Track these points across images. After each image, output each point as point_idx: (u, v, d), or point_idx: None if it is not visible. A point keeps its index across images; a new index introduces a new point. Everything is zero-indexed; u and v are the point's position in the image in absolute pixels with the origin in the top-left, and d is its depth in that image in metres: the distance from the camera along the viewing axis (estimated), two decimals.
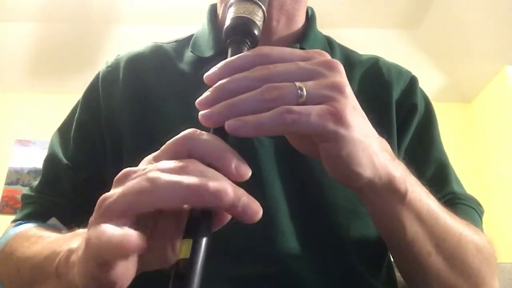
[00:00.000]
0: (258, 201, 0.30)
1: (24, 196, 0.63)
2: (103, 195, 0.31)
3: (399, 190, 0.40)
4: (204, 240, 0.29)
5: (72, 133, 0.64)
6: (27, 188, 0.65)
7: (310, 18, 0.68)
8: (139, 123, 0.58)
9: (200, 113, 0.33)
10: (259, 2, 0.41)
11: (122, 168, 0.32)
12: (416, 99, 0.64)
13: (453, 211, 0.49)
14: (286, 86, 0.33)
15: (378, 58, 0.69)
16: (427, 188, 0.46)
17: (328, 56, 0.37)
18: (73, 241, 0.39)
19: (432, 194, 0.46)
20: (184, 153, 0.31)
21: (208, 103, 0.33)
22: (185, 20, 2.63)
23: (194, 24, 0.78)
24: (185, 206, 0.31)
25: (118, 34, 2.94)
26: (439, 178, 0.60)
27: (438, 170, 0.62)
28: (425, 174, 0.59)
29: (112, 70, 0.65)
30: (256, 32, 0.40)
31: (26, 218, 0.59)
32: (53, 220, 0.58)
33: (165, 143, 0.33)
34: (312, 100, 0.33)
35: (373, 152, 0.36)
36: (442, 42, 2.83)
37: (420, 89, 0.67)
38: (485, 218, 0.62)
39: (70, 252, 0.37)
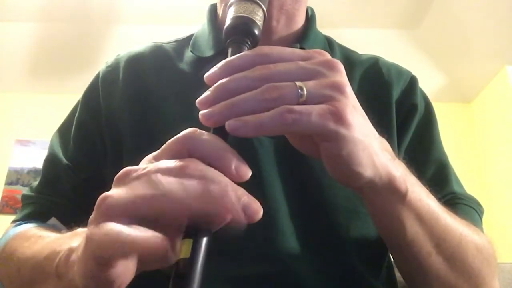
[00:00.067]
0: (258, 201, 0.30)
1: (24, 196, 0.63)
2: (103, 194, 0.31)
3: (399, 190, 0.40)
4: (204, 240, 0.29)
5: (72, 133, 0.64)
6: (27, 188, 0.65)
7: (310, 18, 0.68)
8: (139, 123, 0.58)
9: (201, 112, 0.33)
10: (259, 2, 0.41)
11: (122, 168, 0.32)
12: (416, 99, 0.64)
13: (453, 211, 0.49)
14: (287, 85, 0.33)
15: (378, 58, 0.69)
16: (427, 188, 0.46)
17: (328, 56, 0.37)
18: (73, 240, 0.39)
19: (432, 194, 0.46)
20: (184, 152, 0.31)
21: (208, 103, 0.33)
22: (185, 20, 2.63)
23: (194, 24, 0.78)
24: None
25: (118, 34, 2.94)
26: (439, 178, 0.60)
27: (438, 170, 0.62)
28: (425, 174, 0.59)
29: (112, 70, 0.65)
30: (256, 31, 0.40)
31: (26, 218, 0.59)
32: (53, 220, 0.58)
33: (165, 143, 0.33)
34: (313, 99, 0.33)
35: (373, 151, 0.36)
36: (442, 42, 2.83)
37: (420, 89, 0.67)
38: (485, 218, 0.62)
39: (70, 251, 0.37)
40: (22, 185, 3.09)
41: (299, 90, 0.32)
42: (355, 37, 2.46)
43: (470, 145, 3.06)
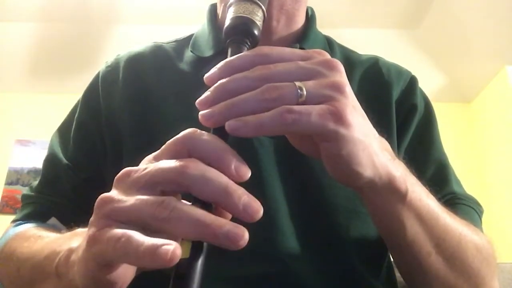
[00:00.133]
0: (258, 201, 0.30)
1: (24, 196, 0.63)
2: (103, 195, 0.31)
3: (399, 190, 0.40)
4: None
5: (72, 133, 0.64)
6: (27, 188, 0.65)
7: (310, 18, 0.68)
8: (139, 123, 0.58)
9: (200, 113, 0.33)
10: (259, 2, 0.41)
11: (122, 168, 0.32)
12: (416, 99, 0.64)
13: (452, 211, 0.49)
14: (286, 85, 0.33)
15: (378, 58, 0.69)
16: (427, 188, 0.46)
17: (328, 56, 0.37)
18: (73, 240, 0.39)
19: (432, 194, 0.46)
20: (184, 153, 0.31)
21: (208, 103, 0.33)
22: (185, 20, 2.63)
23: (194, 24, 0.78)
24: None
25: (118, 34, 2.94)
26: (438, 178, 0.60)
27: (437, 170, 0.62)
28: (425, 174, 0.59)
29: (112, 70, 0.65)
30: (256, 32, 0.40)
31: (26, 218, 0.59)
32: (53, 220, 0.58)
33: (165, 143, 0.33)
34: (312, 99, 0.33)
35: (373, 151, 0.36)
36: (442, 42, 2.83)
37: (420, 89, 0.67)
38: (485, 218, 0.62)
39: (70, 251, 0.37)
40: (22, 185, 3.09)
41: (299, 90, 0.32)
42: (355, 37, 2.46)
43: (470, 145, 3.06)
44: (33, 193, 0.62)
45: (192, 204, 0.30)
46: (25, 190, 0.64)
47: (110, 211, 0.30)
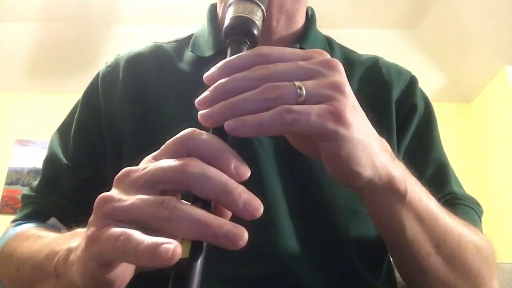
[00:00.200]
0: None
1: (24, 196, 0.63)
2: (102, 194, 0.31)
3: (399, 190, 0.40)
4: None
5: (72, 133, 0.64)
6: (27, 188, 0.65)
7: (310, 18, 0.68)
8: (139, 123, 0.58)
9: (200, 112, 0.33)
10: (259, 2, 0.41)
11: (122, 168, 0.32)
12: (416, 99, 0.64)
13: (452, 211, 0.49)
14: (286, 85, 0.33)
15: (378, 58, 0.69)
16: (426, 188, 0.46)
17: (327, 56, 0.37)
18: (72, 240, 0.39)
19: (432, 194, 0.46)
20: (183, 152, 0.31)
21: (208, 103, 0.33)
22: (185, 20, 2.63)
23: (194, 24, 0.78)
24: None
25: (118, 34, 2.94)
26: (438, 178, 0.60)
27: (437, 170, 0.62)
28: (424, 174, 0.59)
29: (112, 70, 0.65)
30: (255, 31, 0.40)
31: (26, 218, 0.59)
32: (53, 220, 0.58)
33: (165, 143, 0.33)
34: (312, 99, 0.33)
35: (373, 151, 0.36)
36: (442, 42, 2.83)
37: (420, 89, 0.67)
38: (485, 218, 0.62)
39: (69, 251, 0.37)
40: (22, 185, 3.09)
41: (298, 90, 0.32)
42: (355, 37, 2.46)
43: (470, 145, 3.06)
44: (33, 193, 0.62)
45: (192, 203, 0.30)
46: (25, 190, 0.64)
47: (109, 210, 0.30)
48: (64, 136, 0.65)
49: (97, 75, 0.66)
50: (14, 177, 3.13)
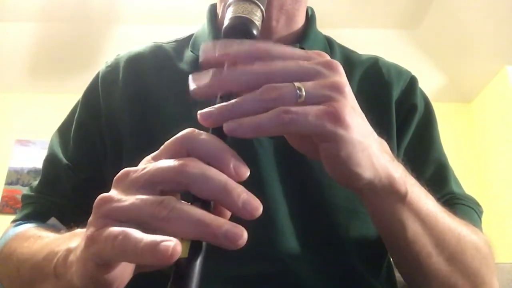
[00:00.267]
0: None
1: (24, 196, 0.63)
2: (102, 195, 0.31)
3: (399, 191, 0.40)
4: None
5: (72, 133, 0.64)
6: (27, 188, 0.65)
7: (310, 18, 0.68)
8: (139, 123, 0.58)
9: (199, 112, 0.33)
10: (258, 2, 0.41)
11: (122, 168, 0.32)
12: (415, 99, 0.64)
13: (452, 211, 0.49)
14: (285, 86, 0.33)
15: (378, 58, 0.69)
16: (426, 188, 0.46)
17: (327, 57, 0.37)
18: (71, 241, 0.39)
19: (431, 194, 0.46)
20: (183, 153, 0.31)
21: (205, 86, 0.33)
22: (185, 20, 2.63)
23: (194, 24, 0.78)
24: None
25: (118, 34, 2.94)
26: (438, 178, 0.60)
27: (437, 170, 0.62)
28: (424, 174, 0.59)
29: (112, 70, 0.65)
30: (254, 32, 0.40)
31: (26, 218, 0.59)
32: (52, 220, 0.58)
33: (164, 143, 0.33)
34: (311, 100, 0.33)
35: (372, 153, 0.36)
36: (442, 42, 2.83)
37: (420, 89, 0.67)
38: (484, 218, 0.62)
39: (68, 251, 0.37)
40: (22, 185, 3.09)
41: (298, 91, 0.32)
42: (355, 37, 2.46)
43: (470, 145, 3.06)
44: (33, 193, 0.62)
45: (192, 203, 0.30)
46: (25, 190, 0.64)
47: (109, 210, 0.30)
48: (64, 136, 0.65)
49: (97, 75, 0.66)
50: (14, 177, 3.13)
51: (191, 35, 0.69)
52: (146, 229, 0.28)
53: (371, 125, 0.38)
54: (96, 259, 0.30)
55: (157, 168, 0.30)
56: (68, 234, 0.44)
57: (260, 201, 0.30)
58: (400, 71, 0.67)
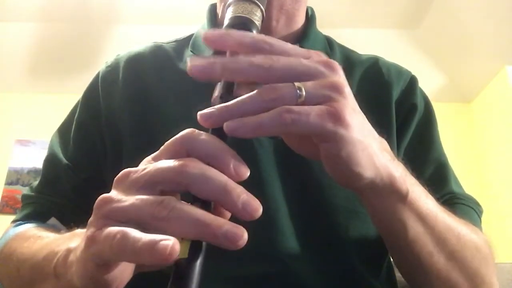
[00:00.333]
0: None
1: (24, 196, 0.63)
2: (102, 195, 0.31)
3: (400, 190, 0.40)
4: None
5: (72, 133, 0.64)
6: (27, 188, 0.65)
7: (310, 18, 0.68)
8: (139, 123, 0.58)
9: (199, 113, 0.33)
10: (258, 2, 0.41)
11: (122, 168, 0.32)
12: (415, 99, 0.64)
13: (451, 210, 0.49)
14: (285, 86, 0.33)
15: (378, 58, 0.69)
16: (426, 188, 0.46)
17: (326, 58, 0.37)
18: (72, 241, 0.39)
19: (431, 194, 0.46)
20: (183, 153, 0.31)
21: (205, 69, 0.33)
22: (185, 20, 2.63)
23: (194, 24, 0.78)
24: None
25: (118, 34, 2.94)
26: (438, 178, 0.60)
27: (437, 170, 0.62)
28: (424, 174, 0.59)
29: (112, 70, 0.65)
30: (254, 32, 0.40)
31: (26, 219, 0.59)
32: (53, 220, 0.58)
33: (165, 143, 0.33)
34: (311, 100, 0.33)
35: (373, 152, 0.36)
36: (442, 42, 2.83)
37: (420, 89, 0.67)
38: (484, 218, 0.62)
39: (68, 252, 0.37)
40: (22, 185, 3.09)
41: (298, 91, 0.32)
42: (355, 37, 2.46)
43: (470, 145, 3.06)
44: (33, 193, 0.62)
45: (192, 203, 0.30)
46: (25, 190, 0.64)
47: (109, 211, 0.30)
48: (64, 136, 0.65)
49: (97, 75, 0.66)
50: (14, 177, 3.13)
51: (191, 35, 0.69)
52: (146, 229, 0.28)
53: (371, 125, 0.38)
54: (96, 259, 0.30)
55: (157, 169, 0.30)
56: (68, 234, 0.44)
57: (260, 201, 0.30)
58: (400, 71, 0.67)
